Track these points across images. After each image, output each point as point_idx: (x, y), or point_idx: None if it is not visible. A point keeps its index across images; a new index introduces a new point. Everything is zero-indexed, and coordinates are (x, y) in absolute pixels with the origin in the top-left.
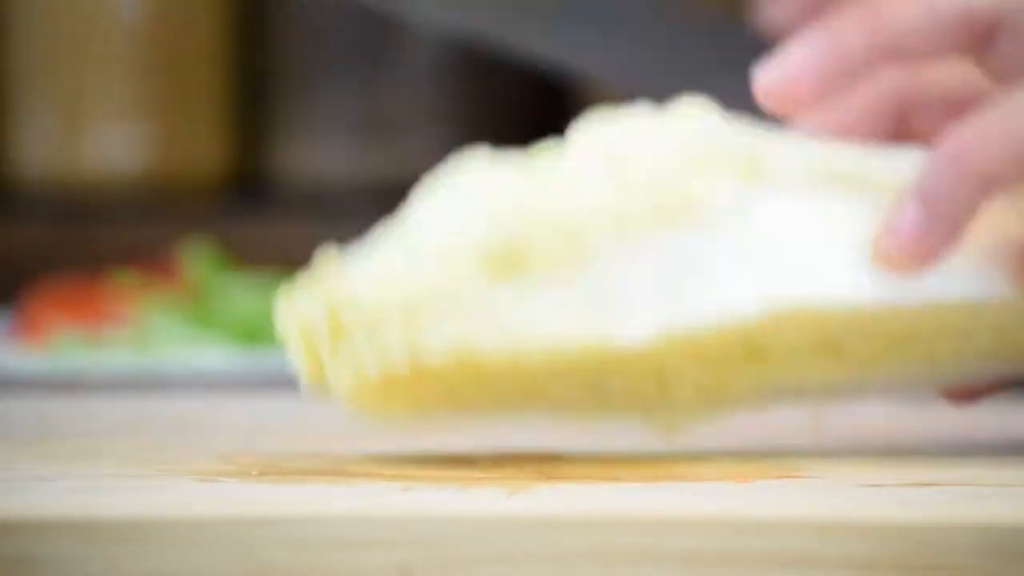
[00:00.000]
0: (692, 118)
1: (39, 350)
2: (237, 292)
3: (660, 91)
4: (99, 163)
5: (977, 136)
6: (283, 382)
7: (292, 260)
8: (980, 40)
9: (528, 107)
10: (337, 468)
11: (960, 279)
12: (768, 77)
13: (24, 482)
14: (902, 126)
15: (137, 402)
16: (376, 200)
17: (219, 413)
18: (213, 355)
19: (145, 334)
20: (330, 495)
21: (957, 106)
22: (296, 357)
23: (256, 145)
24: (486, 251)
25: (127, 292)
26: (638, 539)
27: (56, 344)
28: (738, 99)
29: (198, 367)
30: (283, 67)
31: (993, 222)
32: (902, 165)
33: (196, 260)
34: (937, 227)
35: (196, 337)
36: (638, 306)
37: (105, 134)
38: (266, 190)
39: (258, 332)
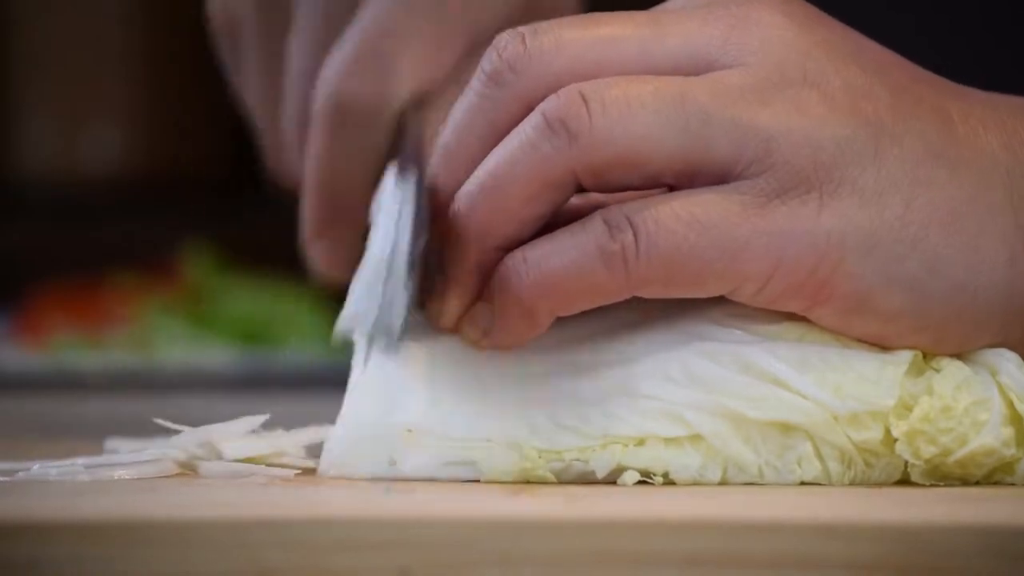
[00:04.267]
0: None
1: (39, 350)
2: (237, 292)
3: None
4: (99, 163)
5: (459, 199)
6: (283, 382)
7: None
8: (566, 187)
9: None
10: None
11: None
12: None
13: (24, 482)
14: None
15: (137, 402)
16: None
17: (219, 413)
18: (213, 355)
19: (145, 334)
20: (330, 496)
21: None
22: None
23: (255, 145)
24: None
25: (127, 292)
26: (638, 540)
27: (56, 344)
28: None
29: (198, 367)
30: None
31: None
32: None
33: (196, 260)
34: (451, 282)
35: (196, 337)
36: None
37: (105, 134)
38: (266, 190)
39: (258, 332)
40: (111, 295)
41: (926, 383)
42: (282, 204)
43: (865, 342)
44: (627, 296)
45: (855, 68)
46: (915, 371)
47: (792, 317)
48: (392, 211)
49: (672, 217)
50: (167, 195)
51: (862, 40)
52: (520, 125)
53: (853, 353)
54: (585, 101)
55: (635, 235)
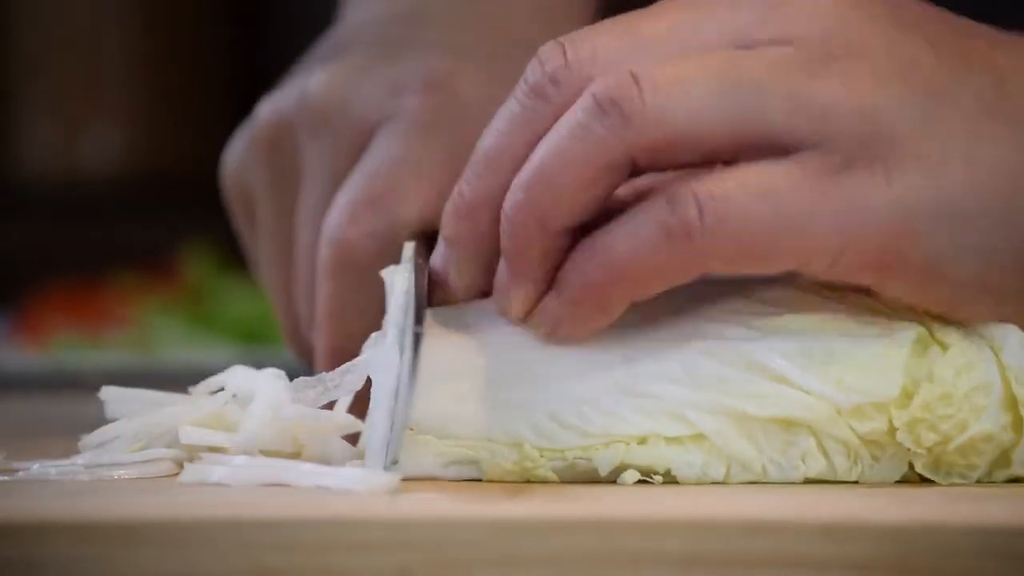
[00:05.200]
0: None
1: (39, 350)
2: (237, 292)
3: None
4: (99, 163)
5: (515, 190)
6: None
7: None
8: (622, 168)
9: None
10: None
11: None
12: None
13: (24, 482)
14: None
15: None
16: None
17: None
18: (213, 355)
19: (145, 334)
20: (330, 496)
21: None
22: None
23: None
24: None
25: (127, 292)
26: (638, 540)
27: (56, 344)
28: None
29: (198, 367)
30: (283, 66)
31: None
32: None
33: (196, 260)
34: (518, 275)
35: (196, 337)
36: None
37: (105, 134)
38: None
39: (258, 332)
40: (111, 295)
41: (928, 366)
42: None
43: (927, 312)
44: (697, 275)
45: (897, 32)
46: (920, 348)
47: (793, 310)
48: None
49: (737, 190)
50: (167, 195)
51: (911, 6)
52: (570, 110)
53: (855, 341)
54: (636, 81)
55: (700, 210)
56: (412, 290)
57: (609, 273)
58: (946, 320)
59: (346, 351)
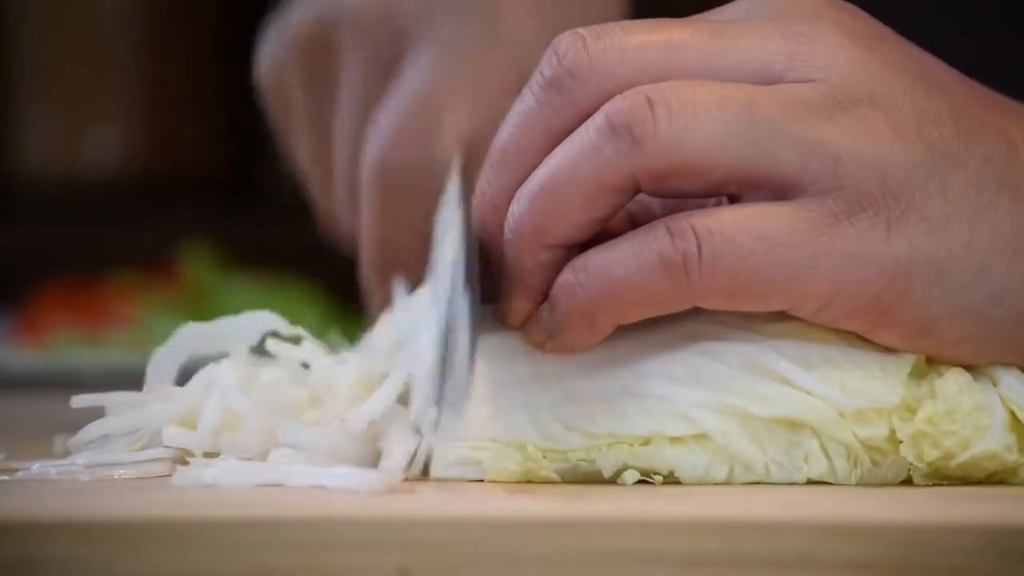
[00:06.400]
0: None
1: (39, 350)
2: (237, 292)
3: None
4: (100, 163)
5: (519, 199)
6: None
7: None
8: (626, 191)
9: None
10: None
11: None
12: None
13: (24, 482)
14: None
15: None
16: None
17: None
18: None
19: (145, 334)
20: (330, 496)
21: None
22: None
23: (256, 145)
24: None
25: (127, 292)
26: (638, 540)
27: (56, 344)
28: None
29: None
30: None
31: None
32: None
33: (196, 260)
34: (514, 285)
35: None
36: None
37: (105, 134)
38: (266, 190)
39: None
40: (111, 295)
41: (928, 386)
42: (282, 204)
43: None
44: (687, 307)
45: (920, 90)
46: (918, 373)
47: (795, 317)
48: (447, 256)
49: (738, 229)
50: (167, 195)
51: (924, 58)
52: (583, 126)
53: (857, 351)
54: (651, 106)
55: (699, 245)
56: (460, 257)
57: (600, 295)
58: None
59: (389, 263)
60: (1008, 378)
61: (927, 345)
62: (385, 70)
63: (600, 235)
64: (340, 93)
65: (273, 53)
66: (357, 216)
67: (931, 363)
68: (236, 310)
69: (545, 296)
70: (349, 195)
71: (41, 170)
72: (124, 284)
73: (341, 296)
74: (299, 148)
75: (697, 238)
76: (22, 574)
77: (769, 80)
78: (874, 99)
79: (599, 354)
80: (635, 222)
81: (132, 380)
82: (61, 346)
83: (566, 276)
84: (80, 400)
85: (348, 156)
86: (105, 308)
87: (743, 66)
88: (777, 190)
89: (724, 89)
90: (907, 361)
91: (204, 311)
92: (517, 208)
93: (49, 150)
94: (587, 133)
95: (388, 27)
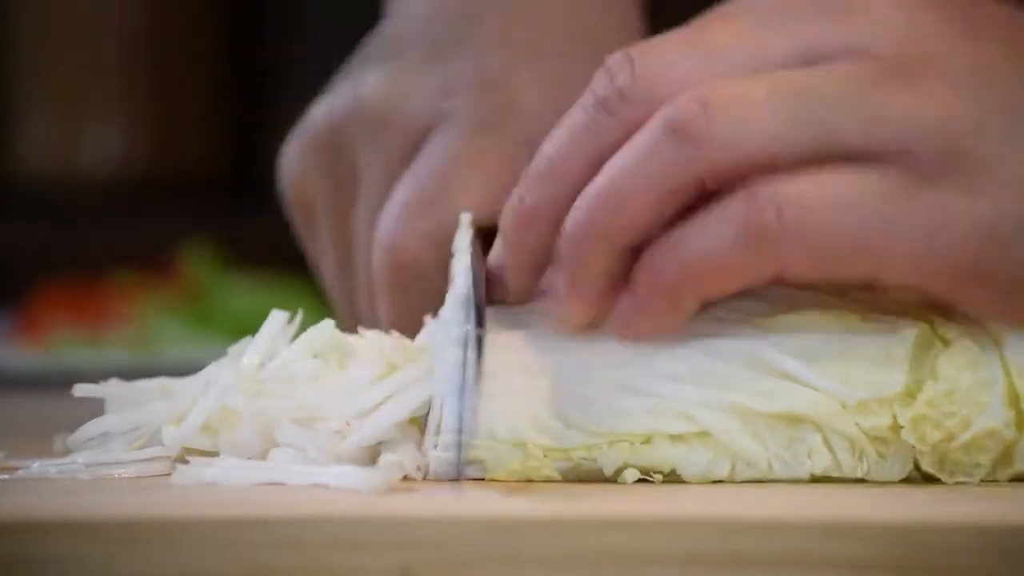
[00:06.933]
0: None
1: (39, 349)
2: (237, 291)
3: None
4: (99, 163)
5: (580, 207)
6: None
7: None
8: (690, 191)
9: None
10: None
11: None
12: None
13: (24, 481)
14: None
15: None
16: None
17: None
18: (213, 354)
19: (145, 333)
20: (330, 496)
21: None
22: None
23: (256, 145)
24: None
25: (127, 291)
26: (639, 540)
27: (56, 343)
28: None
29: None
30: (282, 65)
31: None
32: None
33: (196, 260)
34: (578, 289)
35: (196, 336)
36: None
37: (105, 134)
38: (266, 190)
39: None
40: (111, 295)
41: (931, 364)
42: (282, 204)
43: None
44: (771, 277)
45: (974, 44)
46: (922, 345)
47: (794, 308)
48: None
49: (817, 195)
50: (167, 195)
51: (973, 4)
52: (639, 133)
53: (858, 339)
54: (704, 105)
55: (779, 213)
56: (471, 291)
57: (681, 271)
58: (947, 315)
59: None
60: (1016, 341)
61: (1017, 306)
62: (404, 160)
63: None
64: (360, 186)
65: (293, 157)
66: (374, 300)
67: (936, 328)
68: (236, 310)
69: (607, 299)
70: (369, 290)
71: (41, 170)
72: (124, 284)
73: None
74: (323, 261)
75: (776, 205)
76: (22, 573)
77: (817, 58)
78: (930, 61)
79: (600, 353)
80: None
81: (132, 380)
82: (61, 346)
83: (649, 258)
84: (81, 389)
85: (367, 250)
86: (105, 308)
87: (789, 48)
88: (848, 164)
89: (773, 77)
90: (908, 337)
91: (204, 311)
92: (579, 213)
93: (49, 150)
94: (645, 139)
95: (405, 117)
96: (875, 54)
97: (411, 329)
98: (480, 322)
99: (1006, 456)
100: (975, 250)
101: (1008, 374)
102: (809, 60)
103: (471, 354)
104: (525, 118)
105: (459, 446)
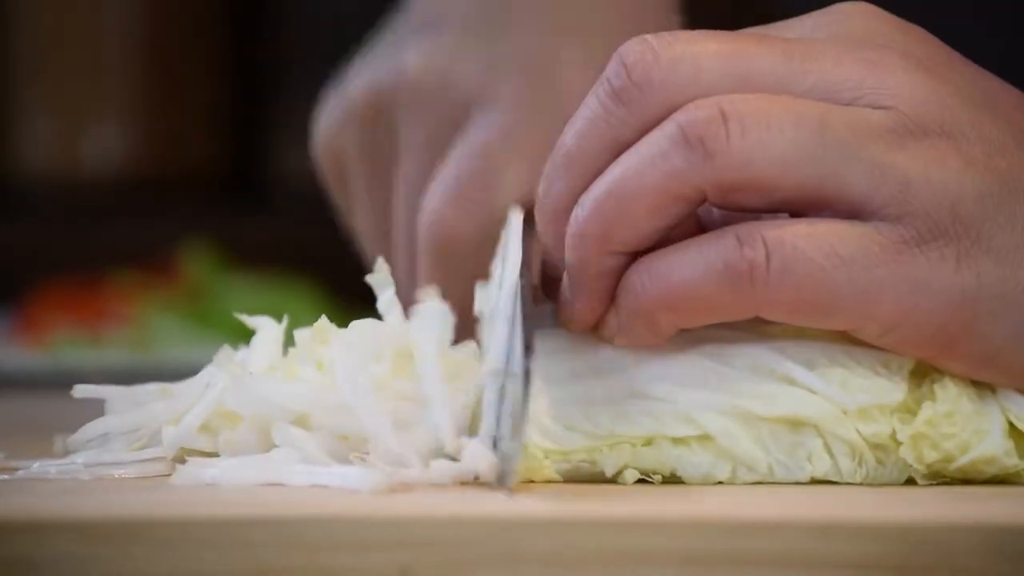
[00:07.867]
0: None
1: (39, 350)
2: (237, 291)
3: None
4: (100, 163)
5: (584, 204)
6: None
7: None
8: (692, 202)
9: None
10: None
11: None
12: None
13: (24, 481)
14: None
15: None
16: None
17: None
18: (213, 355)
19: (145, 333)
20: (330, 496)
21: None
22: None
23: (256, 145)
24: None
25: (127, 292)
26: (638, 540)
27: (56, 344)
28: None
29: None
30: (282, 65)
31: None
32: None
33: (196, 260)
34: (579, 289)
35: (196, 336)
36: None
37: (105, 134)
38: (266, 190)
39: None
40: (111, 295)
41: (929, 387)
42: (282, 204)
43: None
44: (749, 316)
45: (987, 119)
46: (918, 376)
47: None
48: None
49: (809, 244)
50: (167, 195)
51: (988, 82)
52: (652, 133)
53: (859, 351)
54: (725, 119)
55: (768, 256)
56: (518, 296)
57: (661, 298)
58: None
59: None
60: (1006, 390)
61: (990, 375)
62: (446, 137)
63: (667, 238)
64: (400, 161)
65: (329, 124)
66: (415, 276)
67: (928, 369)
68: (236, 310)
69: (609, 300)
70: (408, 264)
71: (41, 170)
72: (124, 284)
73: (342, 296)
74: (358, 220)
75: (766, 248)
76: (22, 573)
77: (844, 102)
78: (943, 129)
79: (601, 356)
80: (702, 226)
81: (132, 380)
82: (61, 346)
83: (630, 277)
84: (81, 390)
85: (408, 221)
86: (105, 308)
87: (818, 86)
88: (845, 212)
89: (797, 106)
90: (908, 360)
91: (204, 311)
92: (581, 213)
93: (49, 150)
94: (657, 141)
95: (448, 93)
96: (896, 113)
97: (448, 300)
98: (528, 348)
99: (1010, 479)
100: (949, 319)
101: (1006, 415)
102: (836, 100)
103: (520, 384)
104: (570, 97)
105: (509, 454)
